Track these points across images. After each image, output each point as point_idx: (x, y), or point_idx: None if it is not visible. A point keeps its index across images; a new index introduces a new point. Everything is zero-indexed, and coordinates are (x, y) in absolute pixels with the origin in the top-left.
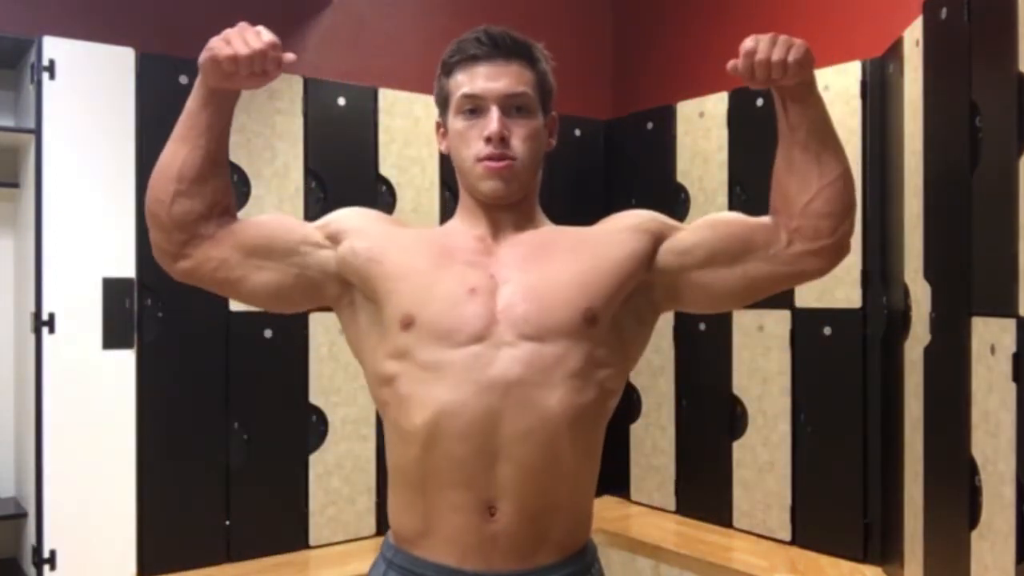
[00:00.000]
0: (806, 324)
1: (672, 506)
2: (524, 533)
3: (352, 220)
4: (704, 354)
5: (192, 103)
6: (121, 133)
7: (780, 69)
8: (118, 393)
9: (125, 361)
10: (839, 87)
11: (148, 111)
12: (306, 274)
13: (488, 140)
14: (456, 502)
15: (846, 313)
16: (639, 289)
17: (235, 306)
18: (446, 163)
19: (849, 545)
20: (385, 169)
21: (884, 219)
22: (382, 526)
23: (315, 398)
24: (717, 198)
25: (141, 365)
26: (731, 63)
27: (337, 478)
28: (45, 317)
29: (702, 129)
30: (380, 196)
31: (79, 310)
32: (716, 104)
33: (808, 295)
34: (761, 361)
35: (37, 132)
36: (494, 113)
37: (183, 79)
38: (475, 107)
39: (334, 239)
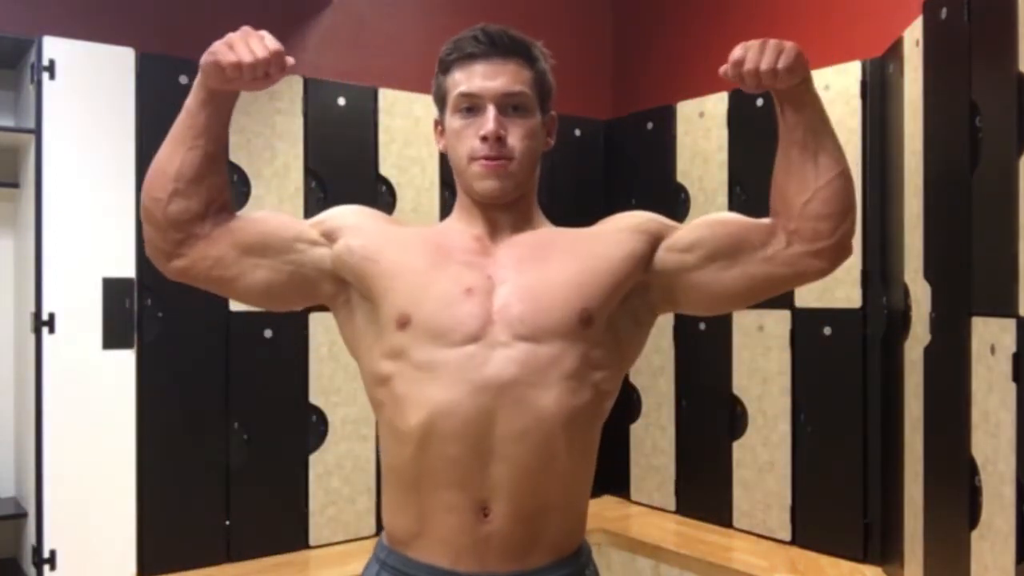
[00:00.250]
0: (806, 324)
1: (672, 506)
2: (518, 534)
3: (348, 218)
4: (704, 354)
5: (191, 103)
6: (121, 133)
7: (770, 77)
8: (118, 393)
9: (125, 361)
10: (839, 87)
11: (148, 111)
12: (301, 272)
13: (484, 139)
14: (450, 503)
15: (846, 313)
16: (636, 290)
17: (235, 306)
18: (446, 163)
19: (849, 545)
20: (385, 169)
21: (884, 219)
22: (382, 526)
23: (315, 398)
24: (717, 198)
25: (141, 365)
26: (722, 69)
27: (337, 478)
28: (45, 317)
29: (702, 129)
30: (380, 196)
31: (79, 310)
32: (716, 104)
33: (808, 295)
34: (761, 361)
35: (37, 132)
36: (490, 112)
37: (183, 79)
38: (472, 106)
39: (329, 237)
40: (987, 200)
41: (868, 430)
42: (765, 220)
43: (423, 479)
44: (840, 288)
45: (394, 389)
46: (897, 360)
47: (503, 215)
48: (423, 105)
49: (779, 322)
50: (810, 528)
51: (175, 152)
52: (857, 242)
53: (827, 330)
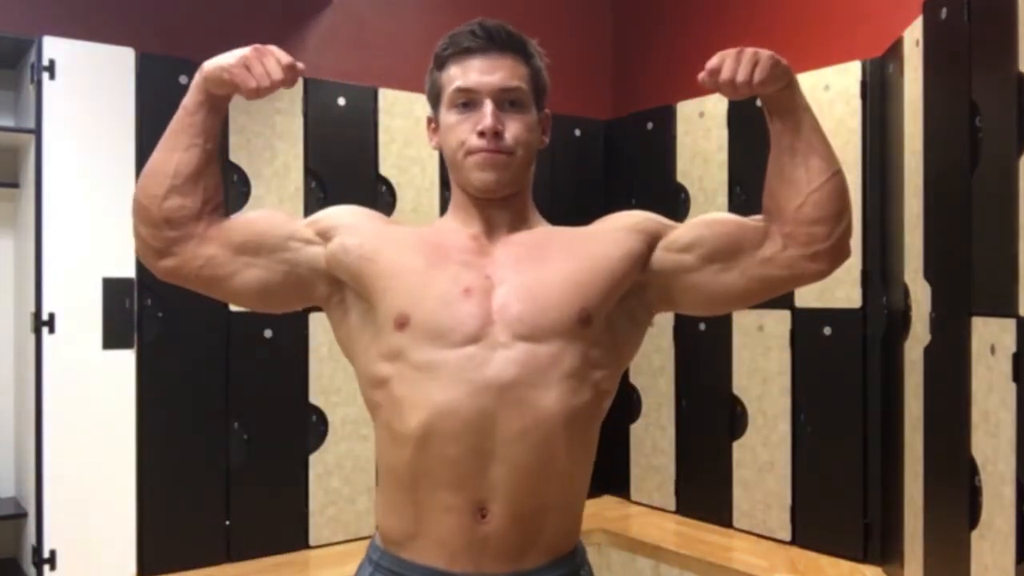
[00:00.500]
0: (806, 324)
1: (672, 506)
2: (515, 535)
3: (343, 217)
4: (704, 354)
5: (189, 103)
6: (121, 133)
7: (746, 88)
8: (118, 393)
9: (125, 361)
10: (839, 87)
11: (148, 111)
12: (295, 271)
13: (481, 134)
14: (448, 503)
15: (846, 313)
16: (633, 290)
17: (235, 306)
18: (446, 162)
19: (849, 545)
20: (385, 169)
21: (884, 219)
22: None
23: (315, 398)
24: (717, 198)
25: (141, 365)
26: (700, 76)
27: (337, 478)
28: (45, 317)
29: (702, 129)
30: (380, 196)
31: (79, 310)
32: (716, 104)
33: (808, 295)
34: (761, 361)
35: (37, 132)
36: (488, 107)
37: (183, 79)
38: (468, 100)
39: (324, 236)
40: (987, 200)
41: (868, 430)
42: (762, 221)
43: (421, 480)
44: (840, 288)
45: (392, 391)
46: (897, 360)
47: (499, 212)
48: (423, 105)
49: (779, 322)
50: (810, 528)
51: (172, 151)
52: (857, 242)
53: (827, 330)
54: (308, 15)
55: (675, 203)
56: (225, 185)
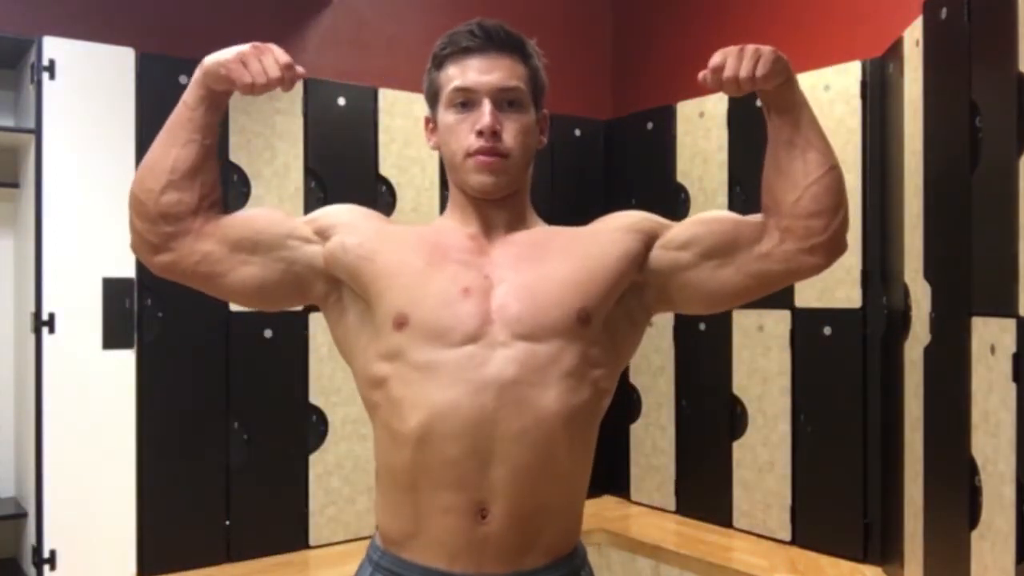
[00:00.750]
0: (806, 324)
1: (672, 506)
2: (516, 535)
3: (342, 216)
4: (704, 354)
5: (189, 98)
6: (121, 133)
7: (749, 83)
8: (118, 393)
9: (125, 361)
10: (839, 87)
11: (148, 111)
12: (292, 269)
13: (480, 134)
14: (447, 504)
15: (846, 313)
16: (631, 290)
17: (235, 306)
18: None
19: (849, 545)
20: (385, 169)
21: (884, 219)
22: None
23: (315, 398)
24: (717, 198)
25: (141, 365)
26: (701, 75)
27: (337, 478)
28: (45, 317)
29: (702, 129)
30: (380, 196)
31: (79, 310)
32: (716, 104)
33: (808, 295)
34: (761, 361)
35: (37, 132)
36: (486, 106)
37: (183, 79)
38: (467, 100)
39: (322, 234)
40: (987, 200)
41: (868, 430)
42: (758, 217)
43: (420, 481)
44: (840, 288)
45: (391, 391)
46: (897, 360)
47: (497, 212)
48: (423, 105)
49: (779, 322)
50: (810, 528)
51: (171, 146)
52: (857, 242)
53: (827, 330)
54: (308, 15)
55: (675, 203)
56: (224, 183)
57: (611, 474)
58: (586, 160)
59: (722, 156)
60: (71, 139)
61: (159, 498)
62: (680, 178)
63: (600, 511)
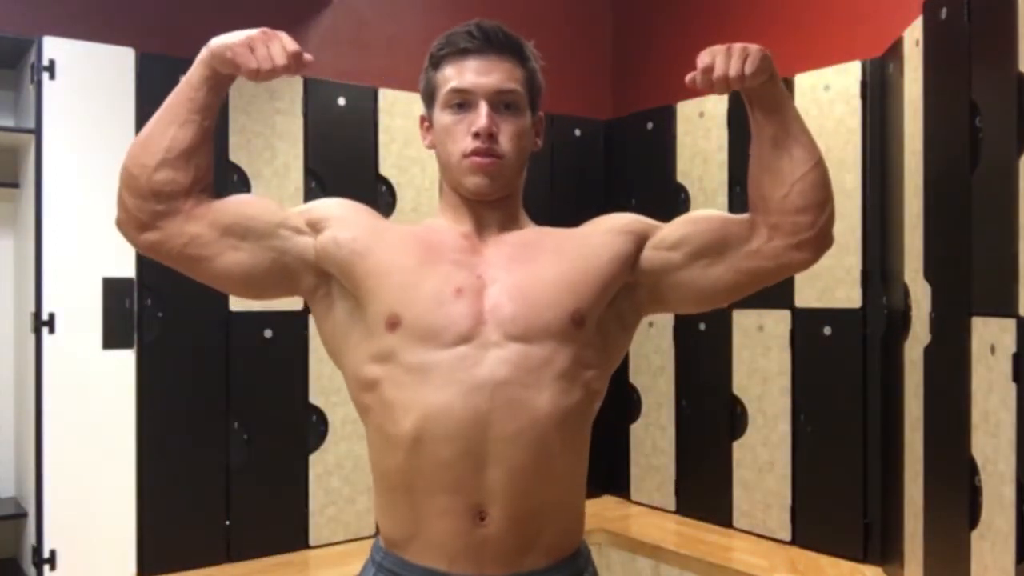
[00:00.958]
0: (806, 324)
1: (672, 506)
2: (515, 537)
3: (335, 209)
4: (704, 354)
5: (193, 77)
6: (121, 133)
7: (738, 82)
8: (118, 393)
9: (125, 361)
10: (839, 87)
11: (148, 111)
12: (282, 260)
13: (476, 136)
14: (445, 507)
15: (846, 313)
16: (623, 292)
17: (235, 306)
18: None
19: (849, 545)
20: (385, 169)
21: (884, 219)
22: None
23: (315, 398)
24: (717, 198)
25: (141, 365)
26: (689, 76)
27: (337, 478)
28: (45, 317)
29: (702, 129)
30: (380, 196)
31: (79, 310)
32: (716, 104)
33: (808, 295)
34: (761, 361)
35: (37, 132)
36: (483, 108)
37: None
38: (463, 101)
39: (315, 227)
40: (987, 200)
41: (868, 430)
42: (746, 215)
43: (416, 483)
44: (840, 288)
45: (383, 393)
46: (897, 360)
47: (490, 213)
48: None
49: (779, 322)
50: (810, 528)
51: (170, 124)
52: (857, 242)
53: (827, 330)
54: (308, 15)
55: (675, 203)
56: (223, 184)
57: (611, 474)
58: (586, 160)
59: (722, 156)
60: (71, 139)
61: (159, 498)
62: (680, 178)
63: (600, 511)
